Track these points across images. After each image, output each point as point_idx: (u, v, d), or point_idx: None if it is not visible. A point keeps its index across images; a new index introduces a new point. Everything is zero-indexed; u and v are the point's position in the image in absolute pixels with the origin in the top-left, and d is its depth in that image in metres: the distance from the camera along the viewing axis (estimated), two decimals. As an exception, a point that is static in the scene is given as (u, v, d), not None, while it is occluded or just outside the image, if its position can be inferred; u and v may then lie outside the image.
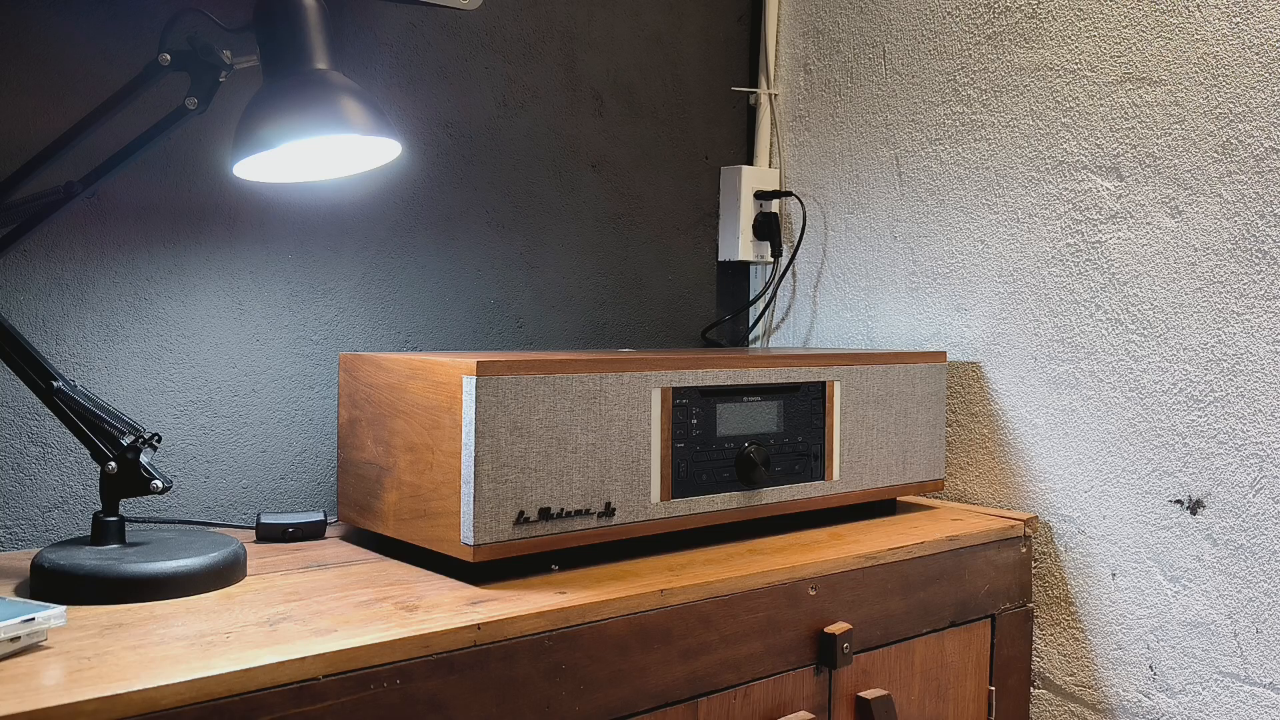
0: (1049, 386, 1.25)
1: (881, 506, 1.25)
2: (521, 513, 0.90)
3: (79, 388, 0.90)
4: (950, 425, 1.36)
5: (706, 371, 1.04)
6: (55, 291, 1.02)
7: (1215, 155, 1.11)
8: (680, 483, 1.02)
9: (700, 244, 1.56)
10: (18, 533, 1.01)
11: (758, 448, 1.08)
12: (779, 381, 1.11)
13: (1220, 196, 1.11)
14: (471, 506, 0.87)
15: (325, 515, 1.08)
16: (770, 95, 1.59)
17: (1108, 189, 1.20)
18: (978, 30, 1.33)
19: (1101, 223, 1.21)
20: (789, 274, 1.57)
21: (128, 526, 0.89)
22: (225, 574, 0.87)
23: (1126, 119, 1.18)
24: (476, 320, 1.32)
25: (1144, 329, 1.17)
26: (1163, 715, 1.15)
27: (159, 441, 0.91)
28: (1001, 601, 1.21)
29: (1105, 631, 1.20)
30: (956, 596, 1.15)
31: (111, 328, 1.05)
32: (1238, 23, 1.09)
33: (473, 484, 0.87)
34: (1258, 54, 1.08)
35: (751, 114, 1.60)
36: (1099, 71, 1.21)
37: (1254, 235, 1.08)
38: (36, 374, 0.87)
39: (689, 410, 1.03)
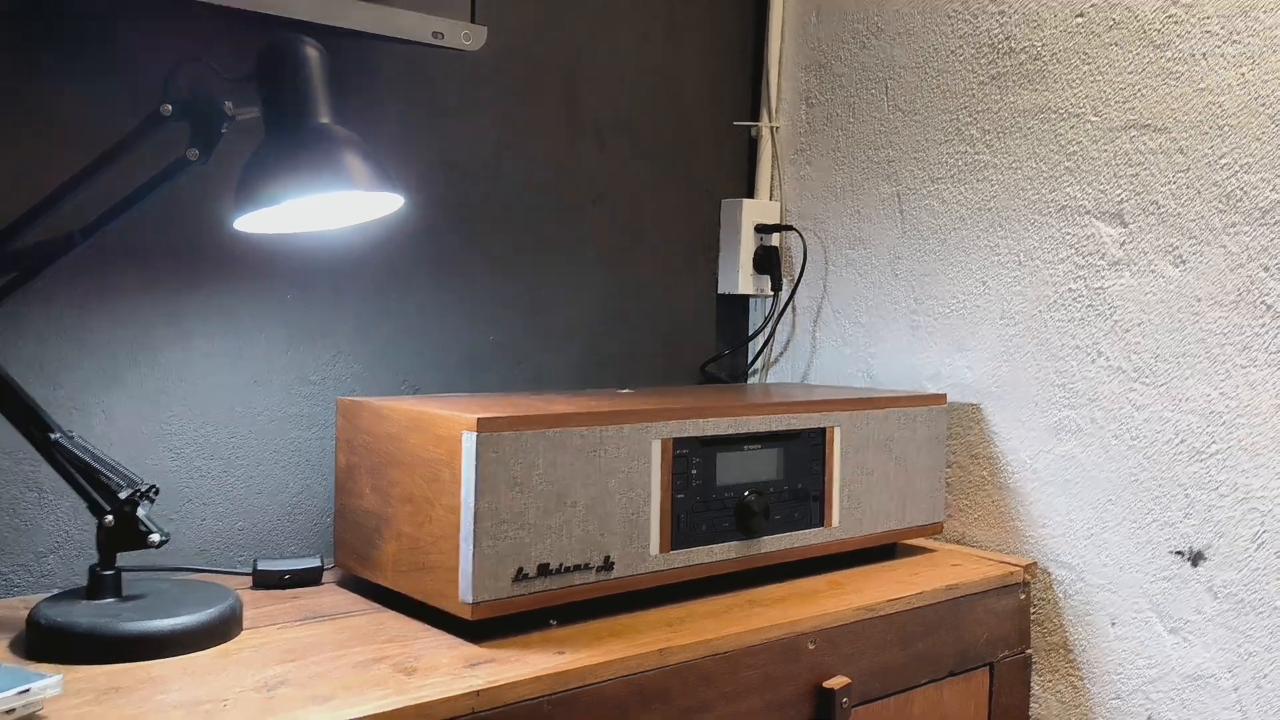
0: (1050, 431, 1.25)
1: (881, 551, 1.25)
2: (521, 569, 0.89)
3: (76, 439, 0.89)
4: (950, 466, 1.35)
5: (707, 421, 1.03)
6: (54, 336, 1.01)
7: (1219, 206, 1.11)
8: (680, 534, 1.01)
9: (701, 277, 1.56)
10: (13, 579, 1.00)
11: (758, 496, 1.07)
12: (779, 429, 1.10)
13: (1224, 248, 1.10)
14: (471, 564, 0.87)
15: (322, 560, 1.07)
16: (772, 128, 1.58)
17: (1111, 235, 1.20)
18: (981, 70, 1.32)
19: (1105, 269, 1.20)
20: (789, 308, 1.56)
21: (125, 576, 0.88)
22: (222, 630, 0.86)
23: (1130, 165, 1.18)
24: (475, 359, 1.31)
25: (1146, 378, 1.16)
26: (1161, 766, 1.15)
27: (156, 494, 0.90)
28: (1000, 649, 1.20)
29: (1104, 680, 1.20)
30: (956, 646, 1.14)
31: (109, 373, 1.05)
32: (1244, 74, 1.09)
33: (472, 542, 0.86)
34: (1264, 105, 1.07)
35: (753, 147, 1.60)
36: (1103, 117, 1.20)
37: (1257, 288, 1.08)
38: (35, 426, 0.87)
39: (689, 460, 1.02)
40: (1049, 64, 1.25)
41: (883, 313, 1.44)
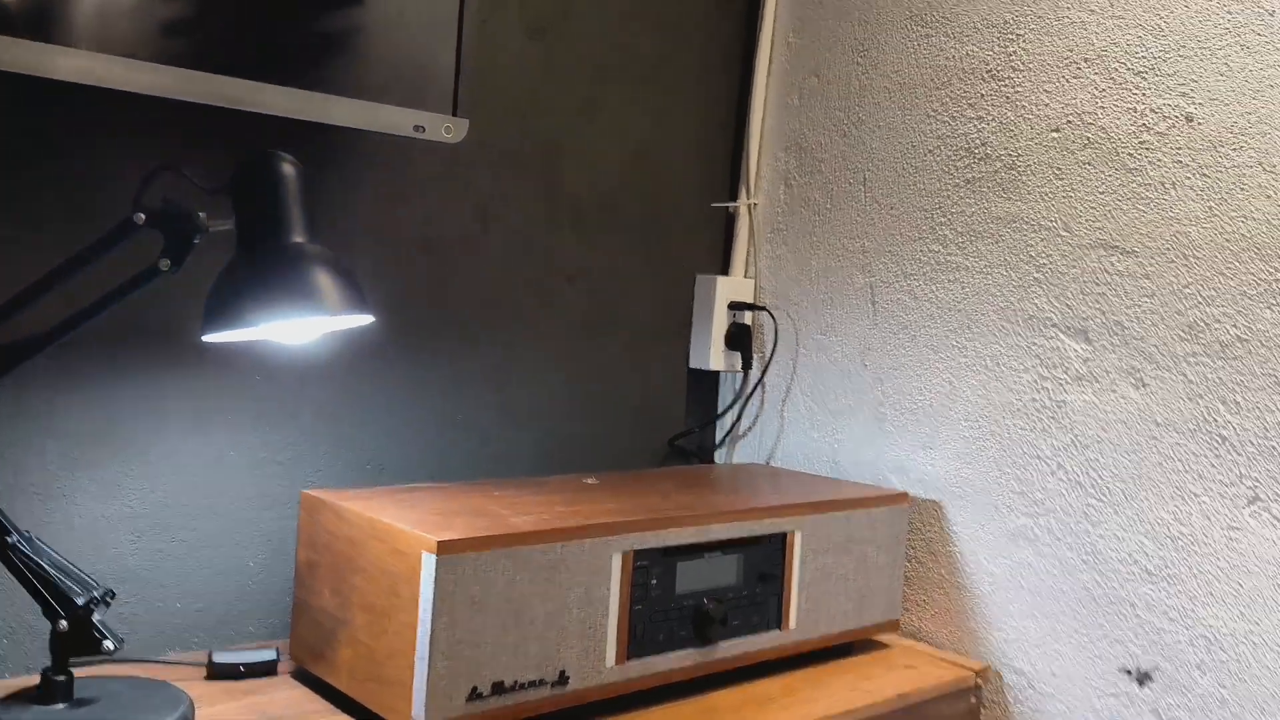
0: (1007, 537, 1.27)
1: (838, 649, 1.26)
2: (475, 688, 0.90)
3: (35, 540, 0.89)
4: (910, 561, 1.37)
5: (669, 532, 1.04)
6: (21, 420, 1.01)
7: (1182, 334, 1.13)
8: (636, 644, 1.02)
9: (673, 352, 1.57)
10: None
11: (717, 604, 1.08)
12: (741, 535, 1.11)
13: (1185, 376, 1.12)
14: (425, 684, 0.87)
15: (278, 652, 1.07)
16: (750, 205, 1.59)
17: (1076, 350, 1.21)
18: (957, 174, 1.34)
19: (1068, 383, 1.22)
20: (759, 387, 1.57)
21: (76, 672, 0.88)
22: (172, 742, 0.86)
23: (1097, 284, 1.20)
24: (442, 439, 1.31)
25: (1103, 495, 1.18)
26: None
27: (113, 598, 0.90)
28: (949, 752, 1.22)
29: (1049, 787, 1.22)
30: (905, 752, 1.16)
31: (72, 456, 1.04)
32: (1211, 208, 1.11)
33: (427, 662, 0.87)
34: (1229, 241, 1.09)
35: (730, 224, 1.61)
36: (1074, 233, 1.22)
37: (1214, 420, 1.10)
38: (-10, 527, 0.86)
39: (649, 571, 1.03)
40: (1023, 174, 1.27)
41: (851, 401, 1.45)
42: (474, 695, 0.90)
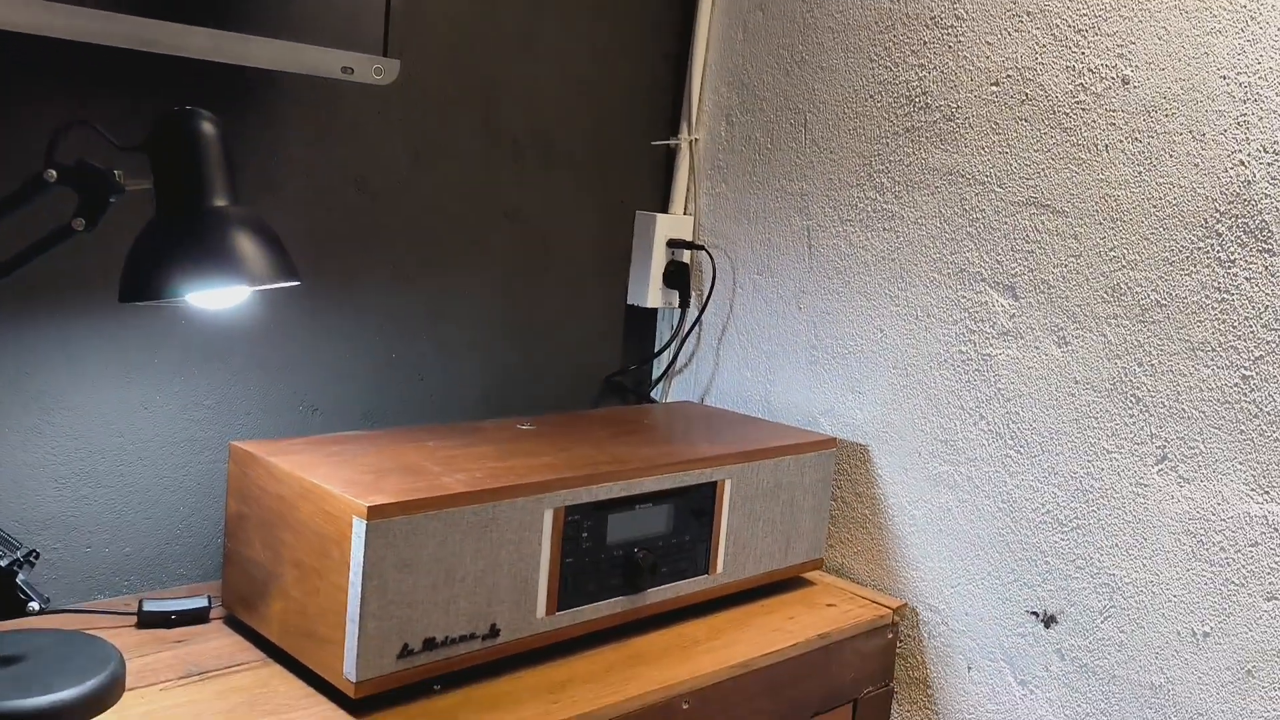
0: (929, 482, 1.31)
1: (763, 589, 1.30)
2: (406, 645, 0.92)
3: (-48, 500, 0.87)
4: (835, 501, 1.41)
5: (600, 486, 1.06)
6: (-72, 371, 0.98)
7: (1105, 296, 1.15)
8: (566, 595, 1.04)
9: (611, 289, 1.56)
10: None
11: (646, 553, 1.11)
12: (671, 487, 1.13)
13: (1105, 337, 1.15)
14: (355, 644, 0.88)
15: (209, 600, 1.07)
16: (691, 141, 1.58)
17: (1003, 306, 1.24)
18: (897, 121, 1.33)
19: (994, 337, 1.25)
20: (696, 326, 1.58)
21: (4, 626, 0.88)
22: (103, 699, 0.87)
23: (1027, 242, 1.22)
24: (377, 376, 1.30)
25: (1022, 447, 1.22)
26: (1000, 802, 1.24)
27: (36, 559, 0.89)
28: (865, 686, 1.28)
29: (956, 717, 1.28)
30: (823, 689, 1.21)
31: (-11, 405, 1.02)
32: (1140, 172, 1.12)
33: (357, 623, 0.88)
34: (1155, 207, 1.11)
35: (671, 159, 1.59)
36: (1007, 189, 1.23)
37: (1130, 380, 1.13)
38: (-94, 488, 0.85)
39: (580, 525, 1.04)
40: (961, 127, 1.27)
41: (784, 342, 1.47)
42: (405, 652, 0.91)
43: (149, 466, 1.13)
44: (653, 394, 1.63)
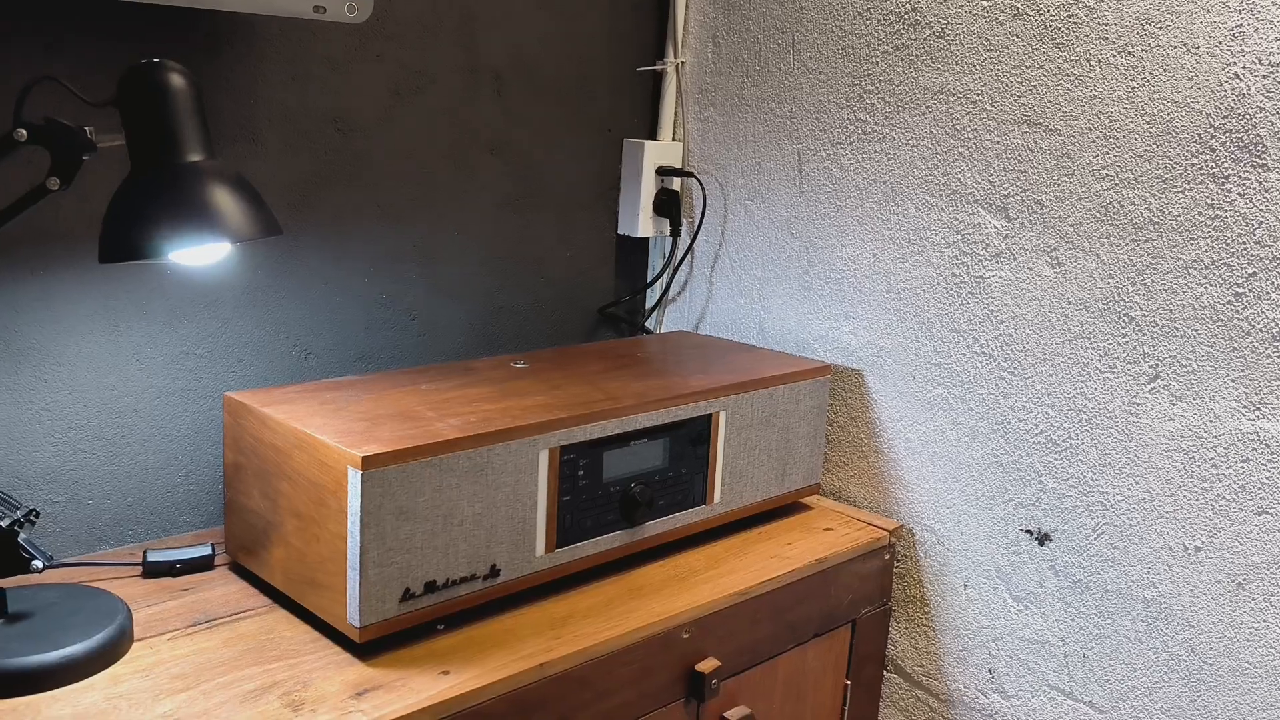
0: (923, 405, 1.31)
1: (761, 516, 1.31)
2: (407, 589, 0.93)
3: (-51, 464, 0.88)
4: (831, 425, 1.41)
5: (595, 425, 1.06)
6: (-84, 334, 0.98)
7: (1098, 215, 1.14)
8: (565, 532, 1.05)
9: (601, 219, 1.55)
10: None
11: (643, 488, 1.12)
12: (666, 422, 1.13)
13: (1098, 256, 1.14)
14: (357, 591, 0.90)
15: (213, 547, 1.09)
16: (678, 65, 1.54)
17: (995, 227, 1.23)
18: (886, 40, 1.30)
19: (986, 259, 1.24)
20: (689, 254, 1.57)
21: (13, 581, 0.89)
22: (112, 652, 0.89)
23: (1020, 161, 1.20)
24: (369, 317, 1.30)
25: (1015, 368, 1.22)
26: (996, 714, 1.28)
27: (36, 517, 0.90)
28: (863, 606, 1.30)
29: (953, 633, 1.31)
30: (821, 610, 1.23)
31: (-20, 365, 1.02)
32: (1134, 88, 1.10)
33: (358, 570, 0.89)
34: (1149, 123, 1.09)
35: (658, 84, 1.56)
36: (999, 107, 1.21)
37: (1123, 299, 1.13)
38: (-98, 454, 0.85)
39: (576, 464, 1.05)
40: (952, 44, 1.24)
41: (777, 269, 1.46)
42: (407, 596, 0.93)
43: (144, 418, 1.13)
44: (647, 324, 1.63)
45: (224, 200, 0.81)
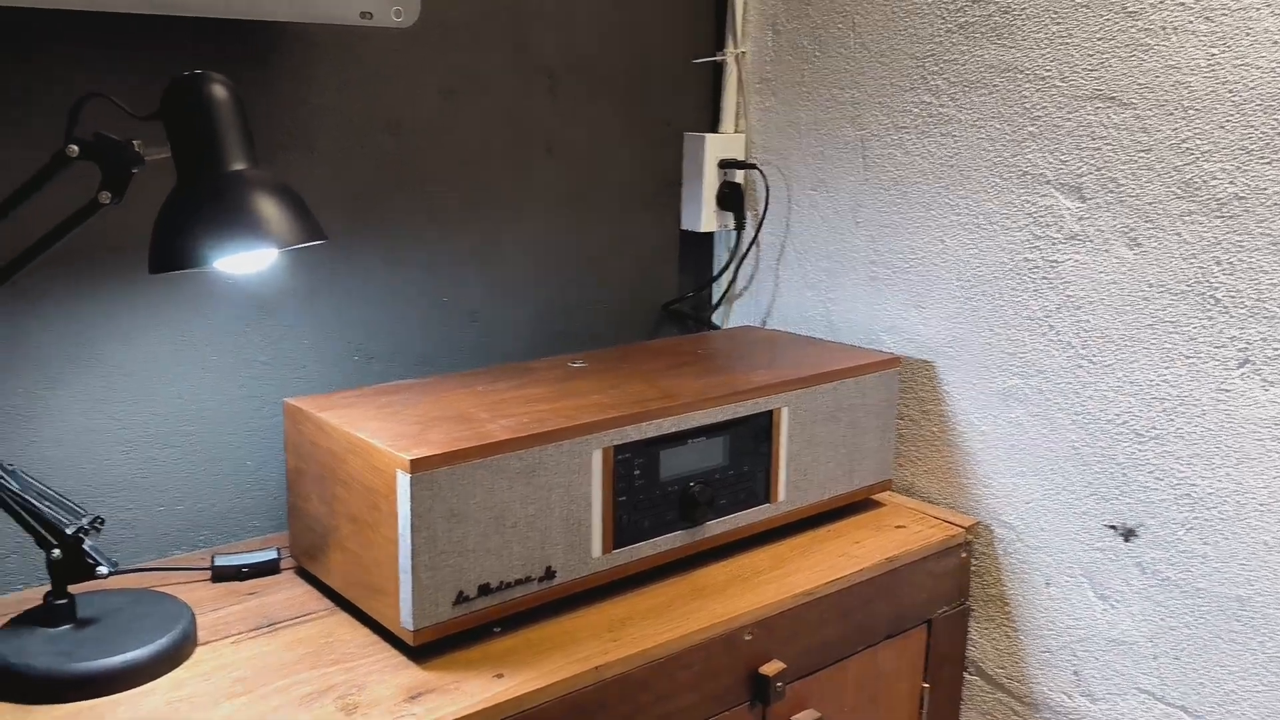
0: (999, 397, 1.26)
1: (828, 514, 1.28)
2: (461, 593, 0.93)
3: (20, 474, 0.90)
4: (902, 419, 1.37)
5: (650, 424, 1.04)
6: (-10, 347, 1.01)
7: (1178, 192, 1.08)
8: (622, 533, 1.04)
9: (663, 215, 1.53)
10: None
11: (703, 487, 1.09)
12: (725, 419, 1.11)
13: (1179, 235, 1.08)
14: (410, 594, 0.90)
15: (279, 552, 1.10)
16: (737, 55, 1.51)
17: (1069, 208, 1.17)
18: (949, 18, 1.26)
19: (1061, 242, 1.18)
20: (753, 246, 1.54)
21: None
22: (175, 656, 0.90)
23: (1093, 138, 1.14)
24: (429, 320, 1.30)
25: (1093, 357, 1.16)
26: (1083, 718, 1.22)
27: (101, 524, 0.92)
28: (938, 606, 1.25)
29: (1036, 634, 1.26)
30: (893, 611, 1.19)
31: (51, 376, 1.05)
32: (1213, 54, 1.04)
33: (410, 574, 0.89)
34: (1230, 91, 1.03)
35: (718, 77, 1.53)
36: (1069, 83, 1.15)
37: (1208, 280, 1.06)
38: (-27, 465, 0.88)
39: (631, 464, 1.04)
40: (1018, 19, 1.19)
41: (843, 259, 1.42)
42: (460, 599, 0.92)
43: (211, 425, 1.15)
44: (714, 319, 1.60)
45: (267, 208, 0.81)
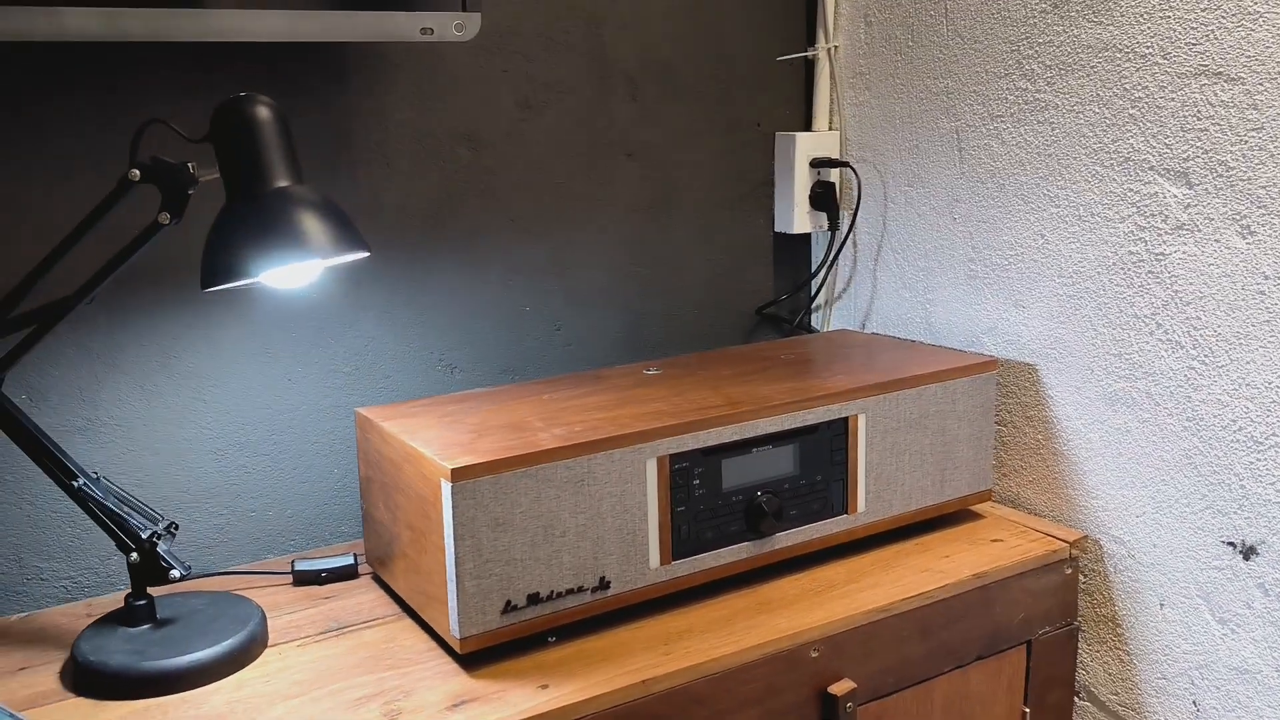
0: (1105, 401, 1.17)
1: (918, 526, 1.21)
2: (509, 602, 0.92)
3: (101, 480, 0.96)
4: (1004, 425, 1.29)
5: (708, 432, 1.02)
6: (85, 361, 1.08)
7: (1295, 173, 0.97)
8: (681, 544, 1.02)
9: (752, 217, 1.49)
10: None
11: (770, 497, 1.06)
12: (793, 427, 1.07)
13: (1297, 222, 0.98)
14: (456, 603, 0.90)
15: (356, 557, 1.13)
16: (829, 50, 1.47)
17: (1175, 196, 1.07)
18: (1043, -2, 1.18)
19: (1167, 233, 1.09)
20: (848, 244, 1.49)
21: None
22: (242, 658, 0.94)
23: (1199, 119, 1.04)
24: (510, 329, 1.32)
25: (1205, 357, 1.07)
26: (1203, 752, 1.12)
27: (176, 530, 0.96)
28: (1040, 626, 1.17)
29: (1151, 659, 1.16)
30: (985, 630, 1.12)
31: (144, 388, 1.11)
32: (1331, 19, 0.93)
33: (455, 582, 0.90)
34: (1351, 59, 0.92)
35: (809, 73, 1.49)
36: (1171, 60, 1.06)
37: (1331, 271, 0.96)
38: (61, 473, 0.94)
39: (689, 473, 1.01)
40: (1115, -7, 1.10)
41: (941, 258, 1.35)
42: (509, 608, 0.92)
43: (298, 434, 1.20)
44: (812, 323, 1.56)
45: (309, 221, 0.84)
